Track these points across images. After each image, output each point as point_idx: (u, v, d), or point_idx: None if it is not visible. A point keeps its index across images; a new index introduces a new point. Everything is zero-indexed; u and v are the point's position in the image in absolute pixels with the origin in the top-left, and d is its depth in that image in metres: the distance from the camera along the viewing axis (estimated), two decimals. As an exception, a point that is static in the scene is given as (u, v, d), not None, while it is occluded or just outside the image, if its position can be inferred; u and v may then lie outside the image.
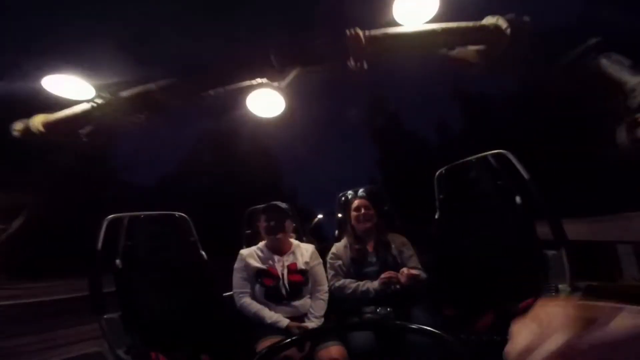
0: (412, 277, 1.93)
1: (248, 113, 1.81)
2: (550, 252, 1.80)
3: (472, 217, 2.20)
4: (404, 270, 1.97)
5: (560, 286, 1.69)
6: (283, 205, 2.05)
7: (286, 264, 1.99)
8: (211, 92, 1.76)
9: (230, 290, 2.14)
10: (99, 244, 1.89)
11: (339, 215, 2.53)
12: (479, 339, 1.60)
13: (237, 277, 1.99)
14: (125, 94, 1.74)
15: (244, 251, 2.05)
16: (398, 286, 1.95)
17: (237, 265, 2.02)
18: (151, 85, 1.72)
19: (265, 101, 1.77)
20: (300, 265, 2.01)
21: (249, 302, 1.91)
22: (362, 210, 2.22)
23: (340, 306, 2.07)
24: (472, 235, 2.16)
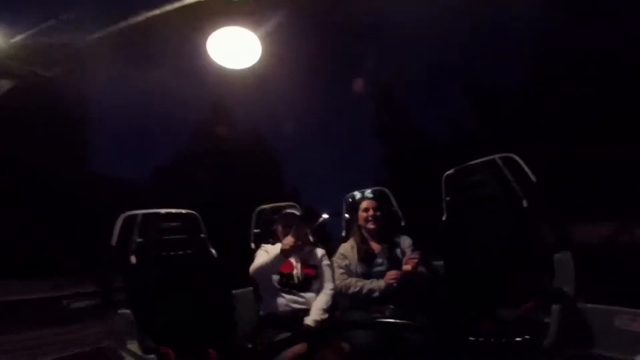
0: (416, 263, 1.96)
1: (211, 64, 1.31)
2: (557, 256, 1.81)
3: (479, 219, 2.21)
4: (406, 258, 2.02)
5: (564, 289, 1.70)
6: (298, 211, 2.25)
7: (299, 259, 2.15)
8: (139, 17, 1.20)
9: (239, 287, 2.22)
10: (114, 240, 1.95)
11: (347, 215, 2.56)
12: (481, 341, 1.62)
13: (257, 259, 2.12)
14: (19, 38, 1.29)
15: (265, 245, 2.23)
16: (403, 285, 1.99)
17: (259, 251, 2.18)
18: (52, 22, 1.25)
19: (233, 45, 1.30)
20: (312, 262, 2.17)
21: (263, 257, 2.06)
22: (370, 212, 2.25)
23: (346, 304, 2.11)
24: (478, 237, 2.18)
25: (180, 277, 2.16)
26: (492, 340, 1.57)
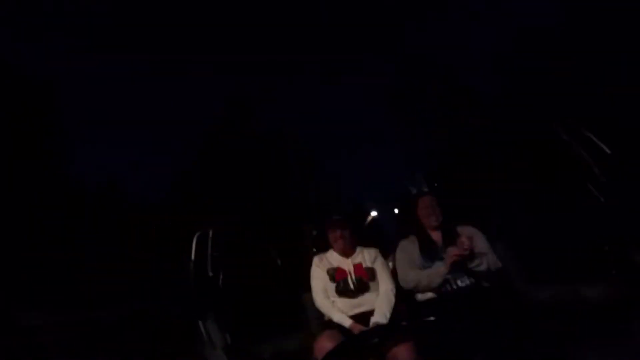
0: (470, 243, 1.91)
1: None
2: None
3: (550, 198, 2.08)
4: (459, 241, 1.96)
5: None
6: (343, 217, 2.31)
7: (353, 263, 2.18)
8: None
9: (304, 292, 2.32)
10: (192, 255, 2.19)
11: (404, 212, 2.56)
12: (565, 324, 1.52)
13: (314, 281, 2.20)
14: None
15: (317, 256, 2.31)
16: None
17: (313, 267, 2.25)
18: None
19: None
20: (366, 264, 2.18)
21: (322, 302, 2.12)
22: (428, 207, 2.23)
23: (412, 298, 2.11)
24: (552, 217, 2.05)
25: (253, 285, 2.34)
26: (579, 323, 1.47)
